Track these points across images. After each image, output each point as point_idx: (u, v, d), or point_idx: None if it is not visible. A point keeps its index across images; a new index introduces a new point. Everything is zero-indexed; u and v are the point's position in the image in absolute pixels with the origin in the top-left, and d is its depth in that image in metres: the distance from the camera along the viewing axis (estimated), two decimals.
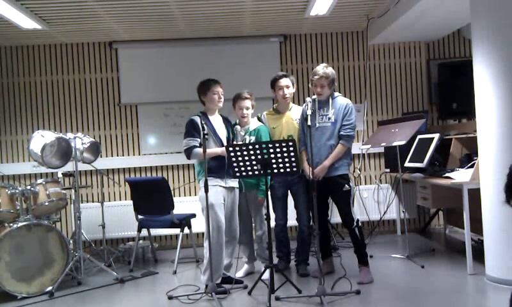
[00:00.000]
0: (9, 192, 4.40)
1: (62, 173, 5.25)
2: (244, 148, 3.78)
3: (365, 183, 6.19)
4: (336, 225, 5.90)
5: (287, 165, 3.78)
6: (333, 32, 6.22)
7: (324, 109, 4.22)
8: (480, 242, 4.47)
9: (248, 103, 4.37)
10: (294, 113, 4.52)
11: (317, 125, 4.16)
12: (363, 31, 6.16)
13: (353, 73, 6.24)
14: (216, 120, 4.26)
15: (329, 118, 4.20)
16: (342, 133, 4.17)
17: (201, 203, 4.03)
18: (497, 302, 3.58)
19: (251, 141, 4.31)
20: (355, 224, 4.17)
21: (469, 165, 4.49)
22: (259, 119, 4.58)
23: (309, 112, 3.83)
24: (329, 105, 4.22)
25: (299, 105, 4.72)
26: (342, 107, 4.20)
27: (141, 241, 5.44)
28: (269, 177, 4.21)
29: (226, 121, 4.35)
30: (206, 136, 3.90)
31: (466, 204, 4.11)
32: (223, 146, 4.12)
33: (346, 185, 4.17)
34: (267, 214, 3.88)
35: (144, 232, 5.29)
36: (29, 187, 4.47)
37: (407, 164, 4.97)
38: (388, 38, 5.96)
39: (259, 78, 5.28)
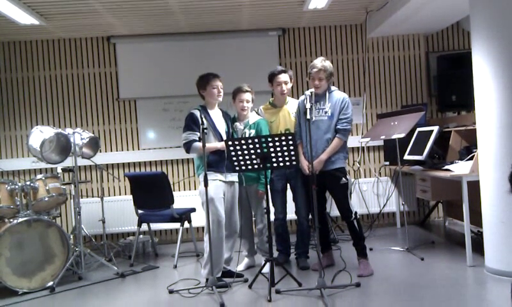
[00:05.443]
0: (8, 187, 4.40)
1: (61, 168, 5.24)
2: (244, 142, 3.78)
3: (365, 176, 6.19)
4: (336, 218, 5.92)
5: (287, 158, 3.81)
6: (331, 26, 6.20)
7: (320, 102, 4.22)
8: (480, 234, 4.49)
9: (248, 96, 4.37)
10: (291, 107, 4.53)
11: (314, 118, 4.15)
12: (361, 24, 6.15)
13: (352, 66, 6.23)
14: (216, 114, 4.26)
15: (325, 112, 4.20)
16: (338, 127, 4.17)
17: (201, 197, 4.03)
18: (497, 294, 3.60)
19: (251, 135, 4.31)
20: (353, 216, 4.18)
21: (468, 157, 4.49)
22: (257, 113, 4.58)
23: (308, 105, 3.83)
24: (326, 99, 4.22)
25: (297, 98, 4.71)
26: (339, 101, 4.20)
27: (141, 236, 5.46)
28: (269, 171, 4.23)
29: (225, 115, 4.35)
30: (205, 130, 3.90)
31: (465, 196, 4.12)
32: (222, 140, 4.12)
33: (343, 179, 4.18)
34: (267, 208, 3.89)
35: (144, 227, 5.30)
36: (28, 183, 4.48)
37: (406, 157, 4.97)
38: (386, 31, 5.94)
39: (258, 72, 5.27)
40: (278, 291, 3.74)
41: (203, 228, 4.74)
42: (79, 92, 6.03)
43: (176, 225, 5.23)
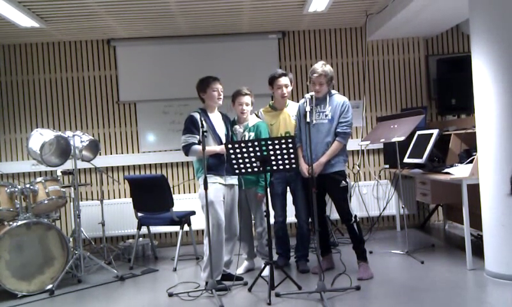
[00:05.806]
0: (8, 190, 4.40)
1: (61, 171, 5.25)
2: (244, 145, 3.78)
3: (365, 180, 6.19)
4: (335, 221, 5.91)
5: (286, 161, 3.81)
6: (331, 29, 6.21)
7: (321, 106, 4.23)
8: (480, 237, 4.48)
9: (247, 99, 4.37)
10: (291, 110, 4.53)
11: (314, 121, 4.16)
12: (361, 27, 6.15)
13: (352, 69, 6.24)
14: (215, 117, 4.26)
15: (326, 115, 4.21)
16: (338, 130, 4.18)
17: (201, 200, 4.03)
18: (497, 297, 3.59)
19: (251, 137, 4.31)
20: (353, 219, 4.18)
21: (468, 160, 4.49)
22: (257, 116, 4.58)
23: (308, 108, 3.83)
24: (326, 103, 4.22)
25: (297, 101, 4.71)
26: (339, 104, 4.20)
27: (140, 239, 5.45)
28: (269, 174, 4.22)
29: (225, 118, 4.35)
30: (205, 133, 3.90)
31: (465, 199, 4.11)
32: (221, 143, 4.12)
33: (343, 182, 4.18)
34: (267, 211, 3.89)
35: (144, 230, 5.29)
36: (28, 186, 4.47)
37: (406, 160, 4.97)
38: (386, 34, 5.95)
39: (258, 75, 5.28)
40: (277, 295, 3.73)
41: (202, 231, 4.74)
42: (79, 95, 6.03)
43: (176, 228, 5.23)
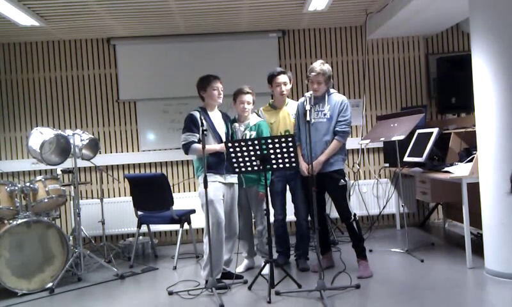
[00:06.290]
0: (8, 189, 4.40)
1: (61, 170, 5.25)
2: (243, 144, 3.78)
3: (365, 178, 6.20)
4: (335, 220, 5.91)
5: (286, 160, 3.81)
6: (331, 27, 6.21)
7: (319, 105, 4.23)
8: (480, 236, 4.49)
9: (249, 97, 4.37)
10: (290, 108, 4.54)
11: (313, 120, 4.16)
12: (361, 26, 6.15)
13: (352, 68, 6.24)
14: (215, 116, 4.26)
15: (324, 114, 4.21)
16: (337, 129, 4.18)
17: (201, 199, 4.03)
18: (496, 296, 3.60)
19: (252, 136, 4.31)
20: (352, 218, 4.18)
21: (468, 159, 4.49)
22: (257, 115, 4.58)
23: (308, 107, 3.83)
24: (325, 101, 4.23)
25: (297, 100, 4.71)
26: (338, 103, 4.21)
27: (140, 237, 5.46)
28: (270, 172, 4.22)
29: (225, 116, 4.35)
30: (205, 132, 3.90)
31: (465, 198, 4.12)
32: (221, 141, 4.12)
33: (342, 180, 4.18)
34: (267, 209, 3.89)
35: (144, 228, 5.29)
36: (28, 184, 4.47)
37: (406, 159, 4.98)
38: (386, 33, 5.95)
39: (258, 74, 5.27)
40: (277, 293, 3.74)
41: (202, 229, 4.73)
42: (79, 93, 6.03)
43: (176, 226, 5.23)
